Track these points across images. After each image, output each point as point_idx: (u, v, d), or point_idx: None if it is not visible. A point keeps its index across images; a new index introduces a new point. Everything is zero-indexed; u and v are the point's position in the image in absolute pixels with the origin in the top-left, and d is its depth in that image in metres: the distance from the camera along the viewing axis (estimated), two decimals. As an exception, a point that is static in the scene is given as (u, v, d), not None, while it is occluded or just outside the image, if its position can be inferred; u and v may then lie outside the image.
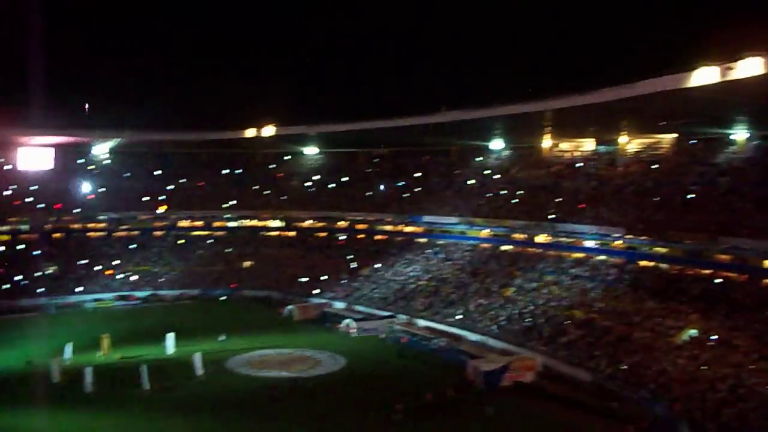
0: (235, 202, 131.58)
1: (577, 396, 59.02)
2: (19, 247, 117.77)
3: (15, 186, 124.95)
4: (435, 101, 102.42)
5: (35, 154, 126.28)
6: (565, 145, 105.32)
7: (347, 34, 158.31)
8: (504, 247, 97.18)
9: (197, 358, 67.27)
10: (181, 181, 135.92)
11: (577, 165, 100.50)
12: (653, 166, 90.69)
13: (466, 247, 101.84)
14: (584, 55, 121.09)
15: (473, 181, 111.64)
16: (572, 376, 64.37)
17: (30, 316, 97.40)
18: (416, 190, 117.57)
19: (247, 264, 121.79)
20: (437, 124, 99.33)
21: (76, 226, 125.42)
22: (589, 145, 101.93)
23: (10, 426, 52.98)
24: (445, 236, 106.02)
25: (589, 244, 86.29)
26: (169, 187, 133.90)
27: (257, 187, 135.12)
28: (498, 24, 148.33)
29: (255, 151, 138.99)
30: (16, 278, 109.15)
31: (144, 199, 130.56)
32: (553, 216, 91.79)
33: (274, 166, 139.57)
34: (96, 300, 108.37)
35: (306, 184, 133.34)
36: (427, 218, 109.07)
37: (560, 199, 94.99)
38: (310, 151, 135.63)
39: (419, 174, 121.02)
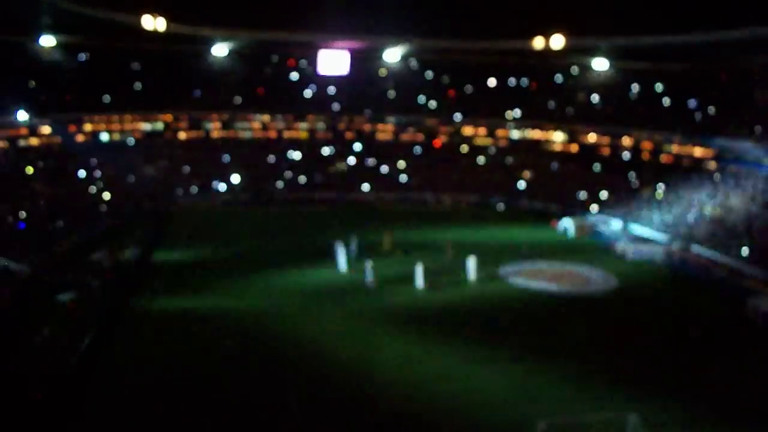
0: (519, 112, 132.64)
1: None
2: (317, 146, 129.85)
3: (313, 87, 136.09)
4: (739, 13, 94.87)
5: (334, 58, 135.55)
6: None
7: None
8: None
9: (471, 263, 70.63)
10: (467, 88, 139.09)
11: None
12: None
13: (761, 176, 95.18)
14: None
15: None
16: None
17: (323, 209, 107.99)
18: (709, 110, 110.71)
19: (527, 175, 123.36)
20: (741, 40, 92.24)
21: (366, 127, 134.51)
22: None
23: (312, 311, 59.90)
24: (737, 162, 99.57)
25: None
26: (455, 94, 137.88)
27: (542, 98, 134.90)
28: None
29: (543, 62, 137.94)
30: (313, 173, 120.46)
31: (431, 104, 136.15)
32: None
33: (561, 77, 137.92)
34: (380, 198, 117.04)
35: (593, 98, 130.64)
36: (719, 141, 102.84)
37: None
38: (600, 64, 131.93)
39: (714, 93, 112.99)
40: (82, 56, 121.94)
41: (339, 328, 55.07)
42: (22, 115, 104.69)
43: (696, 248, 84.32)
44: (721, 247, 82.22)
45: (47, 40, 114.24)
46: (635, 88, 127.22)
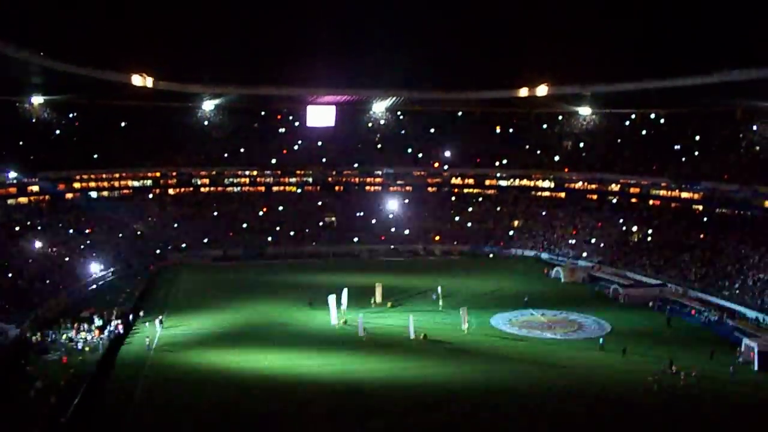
0: (506, 161, 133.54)
1: None
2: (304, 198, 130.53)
3: (301, 141, 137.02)
4: (716, 58, 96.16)
5: (320, 112, 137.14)
6: None
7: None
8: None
9: (464, 313, 70.42)
10: (454, 139, 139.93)
11: None
12: None
13: (748, 217, 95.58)
14: None
15: (761, 147, 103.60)
16: None
17: (312, 261, 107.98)
18: (695, 153, 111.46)
19: (516, 223, 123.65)
20: (720, 83, 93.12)
21: (355, 179, 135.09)
22: None
23: (293, 364, 59.26)
24: (725, 204, 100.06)
25: None
26: (442, 145, 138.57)
27: (529, 146, 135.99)
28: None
29: (528, 111, 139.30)
30: (302, 226, 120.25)
31: (419, 155, 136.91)
32: None
33: (547, 126, 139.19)
34: (371, 250, 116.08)
35: (579, 145, 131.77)
36: (705, 184, 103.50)
37: None
38: (584, 111, 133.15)
39: (698, 137, 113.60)
40: (71, 114, 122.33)
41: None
42: (12, 174, 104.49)
43: (687, 290, 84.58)
44: (713, 287, 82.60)
45: (36, 99, 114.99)
46: (621, 134, 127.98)
